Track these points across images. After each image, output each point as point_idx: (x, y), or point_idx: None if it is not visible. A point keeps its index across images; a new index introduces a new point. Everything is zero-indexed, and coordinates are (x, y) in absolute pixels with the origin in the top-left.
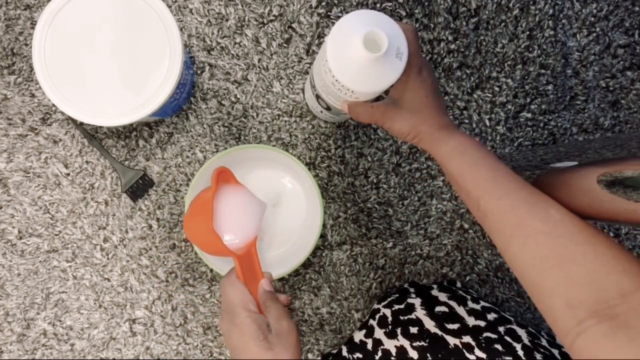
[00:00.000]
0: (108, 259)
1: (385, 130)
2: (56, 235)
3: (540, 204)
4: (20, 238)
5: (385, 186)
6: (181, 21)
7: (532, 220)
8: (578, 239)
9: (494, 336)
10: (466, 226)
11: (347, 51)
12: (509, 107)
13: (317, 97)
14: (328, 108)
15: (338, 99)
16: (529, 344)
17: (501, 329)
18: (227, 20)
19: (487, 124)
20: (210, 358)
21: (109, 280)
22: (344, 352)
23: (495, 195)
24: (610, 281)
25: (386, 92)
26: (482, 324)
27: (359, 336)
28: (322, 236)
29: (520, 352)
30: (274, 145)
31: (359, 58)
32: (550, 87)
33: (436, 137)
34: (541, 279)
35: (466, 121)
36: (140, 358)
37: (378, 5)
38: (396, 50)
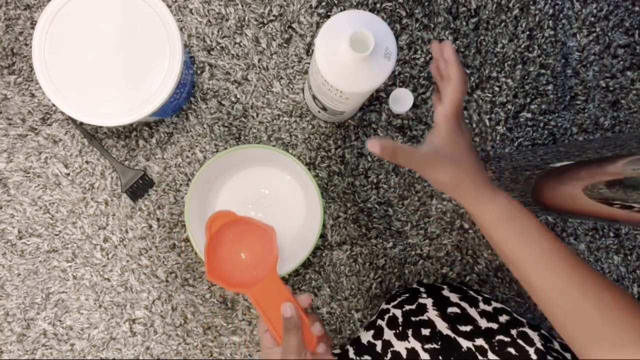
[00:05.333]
0: (108, 259)
1: (424, 178)
2: (56, 235)
3: (592, 287)
4: (20, 238)
5: (385, 186)
6: (181, 21)
7: (586, 307)
8: (630, 327)
9: (506, 339)
10: (466, 226)
11: (335, 51)
12: (509, 107)
13: (314, 97)
14: (324, 108)
15: (331, 100)
16: (542, 347)
17: (513, 332)
18: (227, 20)
19: (487, 124)
20: (210, 358)
21: (109, 280)
22: (351, 354)
23: (546, 276)
24: None
25: (377, 90)
26: (495, 326)
27: (366, 337)
28: (322, 236)
29: (534, 357)
30: (274, 145)
31: (346, 58)
32: (550, 87)
33: (478, 194)
34: (588, 348)
35: (466, 121)
36: (140, 358)
37: (378, 5)
38: (384, 50)
